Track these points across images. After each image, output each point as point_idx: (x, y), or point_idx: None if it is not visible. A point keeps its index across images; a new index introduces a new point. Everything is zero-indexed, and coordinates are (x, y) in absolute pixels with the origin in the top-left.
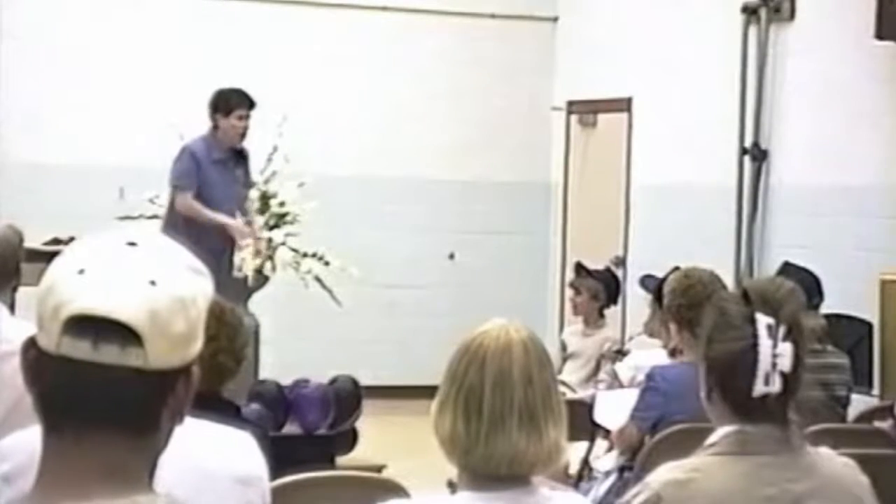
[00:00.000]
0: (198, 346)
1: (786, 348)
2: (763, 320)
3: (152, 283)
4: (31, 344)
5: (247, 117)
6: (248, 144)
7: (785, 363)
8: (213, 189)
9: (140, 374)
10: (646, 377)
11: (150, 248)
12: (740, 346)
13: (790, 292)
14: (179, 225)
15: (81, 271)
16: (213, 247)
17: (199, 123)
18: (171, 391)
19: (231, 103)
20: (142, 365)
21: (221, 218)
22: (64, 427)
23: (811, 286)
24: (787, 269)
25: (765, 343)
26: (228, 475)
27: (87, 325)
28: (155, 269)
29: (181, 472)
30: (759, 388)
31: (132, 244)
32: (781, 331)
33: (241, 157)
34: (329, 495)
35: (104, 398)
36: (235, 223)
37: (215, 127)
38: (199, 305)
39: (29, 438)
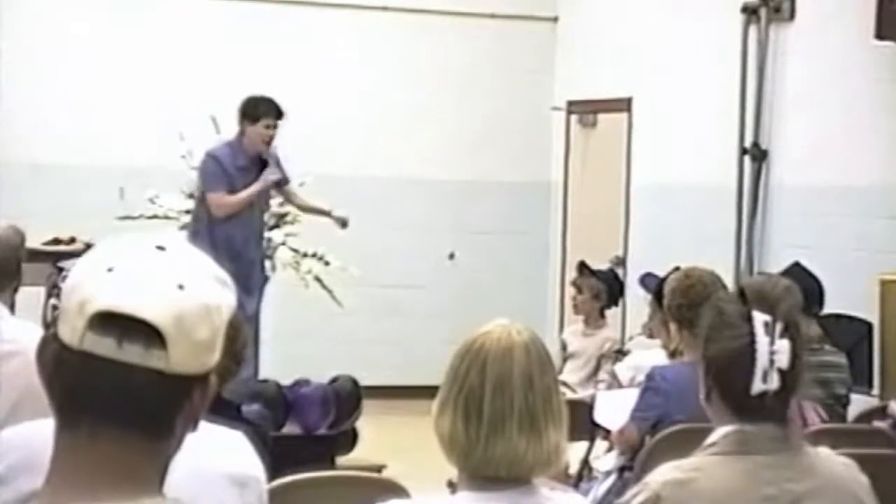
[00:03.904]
0: (216, 355)
1: (783, 345)
2: (760, 318)
3: (180, 287)
4: (51, 338)
5: (274, 126)
6: None
7: (783, 360)
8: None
9: (160, 376)
10: (646, 377)
11: (179, 253)
12: (737, 344)
13: (786, 290)
14: (203, 233)
15: (110, 269)
16: (238, 253)
17: (199, 123)
18: (188, 397)
19: (259, 111)
20: (163, 367)
21: (251, 189)
22: (79, 423)
23: (814, 293)
24: (795, 270)
25: (762, 341)
26: (225, 477)
27: (113, 323)
28: (183, 274)
29: (179, 473)
30: (757, 386)
31: (161, 248)
32: (778, 328)
33: (265, 164)
34: (329, 495)
35: (123, 397)
36: (261, 183)
37: (242, 133)
38: (223, 315)
39: (26, 435)
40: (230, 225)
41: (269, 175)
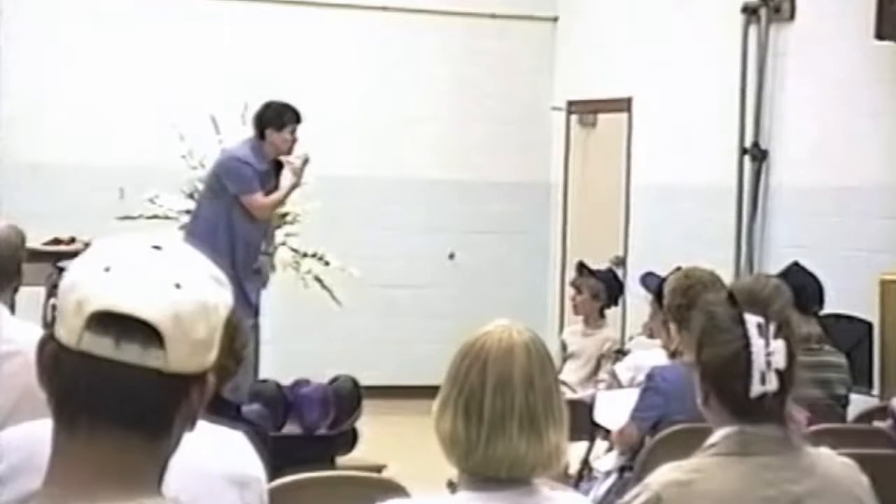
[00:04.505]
0: (214, 354)
1: (778, 345)
2: (752, 320)
3: (178, 286)
4: (49, 338)
5: (296, 132)
6: None
7: (779, 360)
8: None
9: (158, 376)
10: (646, 377)
11: (176, 253)
12: (732, 348)
13: (776, 289)
14: (201, 233)
15: (107, 269)
16: (256, 246)
17: (199, 123)
18: (185, 396)
19: (284, 119)
20: (161, 367)
21: (285, 186)
22: (77, 423)
23: (813, 292)
24: (794, 269)
25: (756, 343)
26: (225, 476)
27: (111, 323)
28: (180, 273)
29: (180, 474)
30: (756, 389)
31: (157, 248)
32: (772, 328)
33: (280, 167)
34: (329, 495)
35: (121, 397)
36: (295, 178)
37: (261, 137)
38: (220, 314)
39: (26, 435)
40: (252, 224)
41: (295, 163)
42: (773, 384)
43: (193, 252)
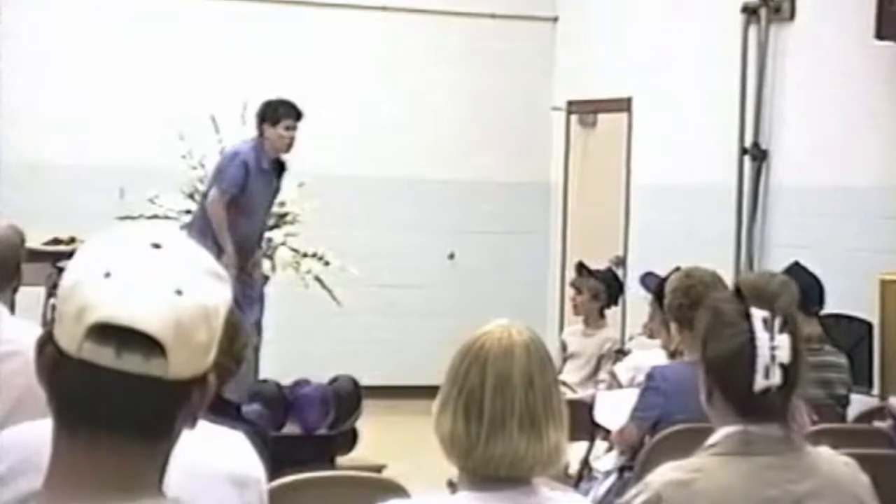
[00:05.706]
0: (213, 354)
1: (783, 340)
2: (758, 314)
3: (178, 292)
4: (48, 340)
5: (294, 128)
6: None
7: (783, 355)
8: (253, 197)
9: (159, 383)
10: (646, 377)
11: (175, 251)
12: (738, 342)
13: (783, 285)
14: (207, 230)
15: (107, 275)
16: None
17: (199, 123)
18: (186, 399)
19: (278, 113)
20: (162, 374)
21: (228, 247)
22: (78, 429)
23: (813, 292)
24: (794, 269)
25: (762, 336)
26: (225, 477)
27: (112, 333)
28: (180, 276)
29: (180, 474)
30: (759, 383)
31: (157, 246)
32: (777, 323)
33: (282, 168)
34: (329, 495)
35: (122, 404)
36: (228, 259)
37: (261, 135)
38: (221, 314)
39: (27, 435)
40: (249, 222)
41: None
42: (776, 378)
43: (192, 246)
